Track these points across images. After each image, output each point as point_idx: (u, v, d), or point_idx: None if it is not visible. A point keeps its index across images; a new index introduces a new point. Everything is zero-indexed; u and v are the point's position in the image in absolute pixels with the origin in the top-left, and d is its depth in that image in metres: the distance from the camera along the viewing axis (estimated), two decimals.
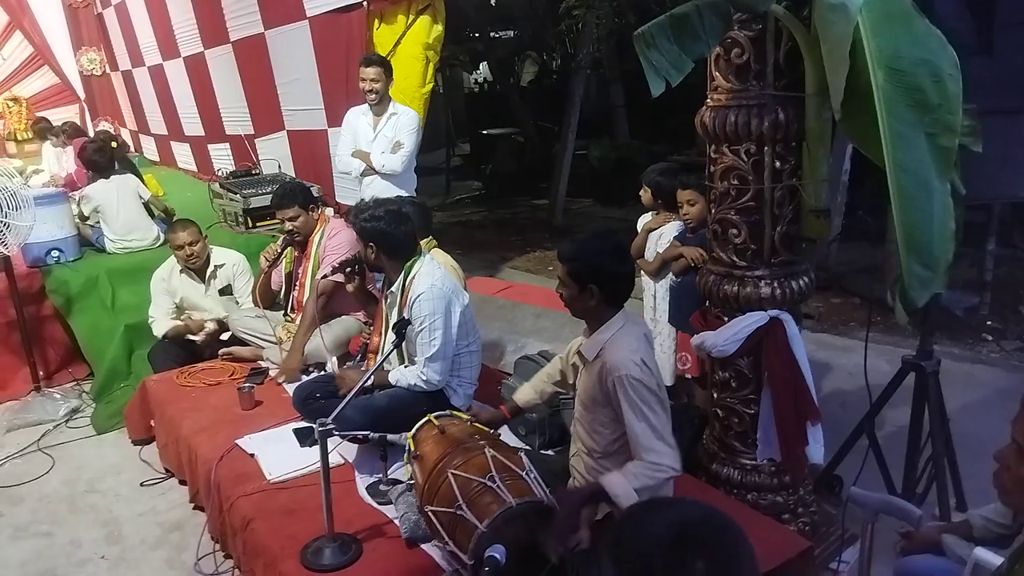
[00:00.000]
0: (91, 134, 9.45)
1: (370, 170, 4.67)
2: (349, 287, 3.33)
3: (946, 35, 2.26)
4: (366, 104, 4.70)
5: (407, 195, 4.35)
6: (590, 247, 2.25)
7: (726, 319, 2.64)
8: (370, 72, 4.55)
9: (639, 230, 3.77)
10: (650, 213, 3.76)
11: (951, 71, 1.89)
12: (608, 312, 2.26)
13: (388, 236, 2.99)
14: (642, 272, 3.75)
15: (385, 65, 4.62)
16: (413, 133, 4.67)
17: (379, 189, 4.53)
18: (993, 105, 2.35)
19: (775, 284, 2.56)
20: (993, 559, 1.66)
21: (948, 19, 2.30)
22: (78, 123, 9.71)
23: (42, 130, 8.52)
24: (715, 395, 2.82)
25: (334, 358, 3.71)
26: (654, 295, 3.66)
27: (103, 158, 5.45)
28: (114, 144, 7.79)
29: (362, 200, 3.21)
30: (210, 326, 4.17)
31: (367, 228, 3.01)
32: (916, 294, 2.00)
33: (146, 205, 5.43)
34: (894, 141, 1.90)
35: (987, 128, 2.29)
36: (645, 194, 3.69)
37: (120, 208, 5.22)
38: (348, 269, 3.29)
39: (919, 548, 2.10)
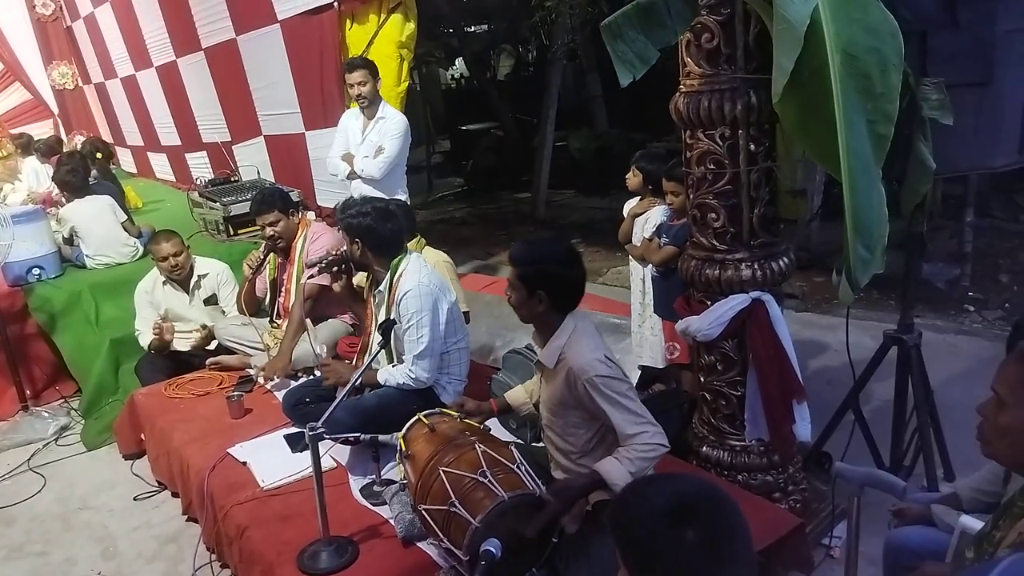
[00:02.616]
0: (65, 149, 9.36)
1: (355, 173, 4.65)
2: (336, 286, 3.33)
3: (911, 10, 2.29)
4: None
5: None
6: (541, 251, 2.24)
7: (709, 303, 2.66)
8: (355, 76, 4.48)
9: (625, 215, 3.79)
10: (635, 198, 3.77)
11: (896, 62, 1.91)
12: (556, 318, 2.26)
13: (374, 232, 2.99)
14: (630, 257, 3.77)
15: (369, 66, 4.55)
16: (397, 139, 4.59)
17: (365, 193, 4.49)
18: (961, 78, 2.37)
19: (755, 266, 2.57)
20: (976, 524, 1.69)
21: None
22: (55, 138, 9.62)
23: (26, 144, 8.39)
24: (702, 379, 2.84)
25: (323, 347, 3.70)
26: (643, 279, 3.68)
27: (76, 178, 5.40)
28: (99, 155, 7.72)
29: (349, 197, 3.19)
30: (195, 335, 4.15)
31: (353, 224, 3.00)
32: (859, 274, 2.04)
33: (122, 226, 5.38)
34: (847, 126, 1.92)
35: (956, 100, 2.31)
36: (635, 179, 3.68)
37: (96, 227, 5.18)
38: (335, 268, 3.28)
39: (910, 521, 2.14)
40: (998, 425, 1.40)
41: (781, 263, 2.63)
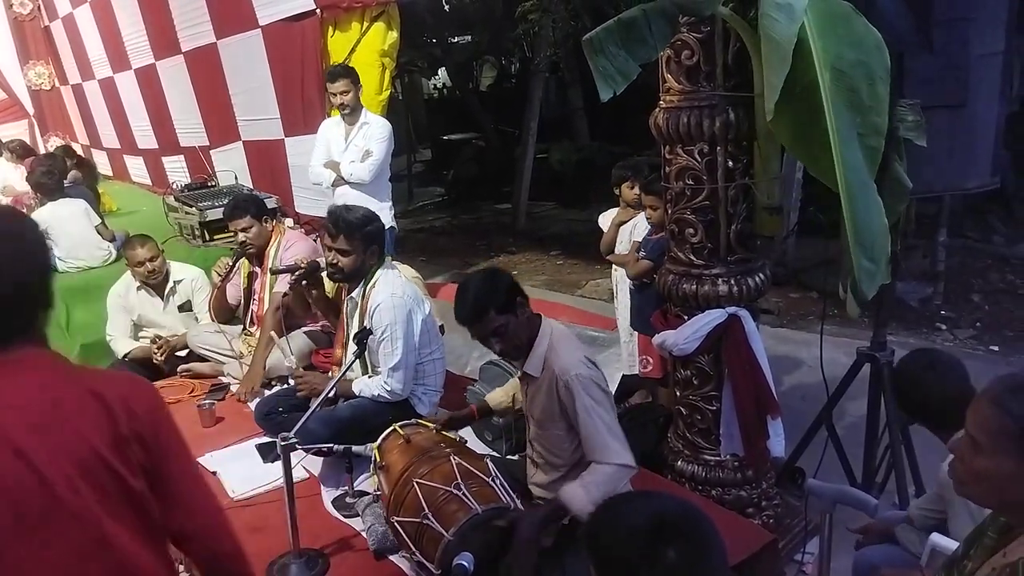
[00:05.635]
0: (42, 150, 9.25)
1: (340, 180, 4.62)
2: (311, 294, 3.30)
3: (888, 33, 2.32)
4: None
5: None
6: (480, 293, 2.23)
7: (686, 318, 2.67)
8: (337, 86, 4.47)
9: (602, 227, 3.78)
10: (611, 211, 3.77)
11: (882, 74, 1.94)
12: (535, 322, 2.30)
13: (382, 236, 3.05)
14: (614, 267, 3.76)
15: (351, 75, 4.55)
16: (383, 142, 4.60)
17: (352, 199, 4.45)
18: (936, 100, 2.41)
19: (732, 281, 2.59)
20: (949, 544, 1.70)
21: (889, 16, 2.36)
22: (27, 140, 9.48)
23: None
24: (678, 393, 2.84)
25: (294, 358, 3.66)
26: (626, 291, 3.67)
27: (51, 180, 5.33)
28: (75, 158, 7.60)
29: (344, 205, 3.19)
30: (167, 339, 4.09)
31: (371, 231, 2.97)
32: (866, 287, 2.06)
33: (96, 229, 5.30)
34: (841, 140, 1.95)
35: (931, 122, 2.34)
36: (629, 191, 3.63)
37: (68, 230, 5.10)
38: (304, 282, 3.25)
39: (876, 539, 2.15)
40: (974, 469, 1.33)
41: (757, 279, 2.65)
